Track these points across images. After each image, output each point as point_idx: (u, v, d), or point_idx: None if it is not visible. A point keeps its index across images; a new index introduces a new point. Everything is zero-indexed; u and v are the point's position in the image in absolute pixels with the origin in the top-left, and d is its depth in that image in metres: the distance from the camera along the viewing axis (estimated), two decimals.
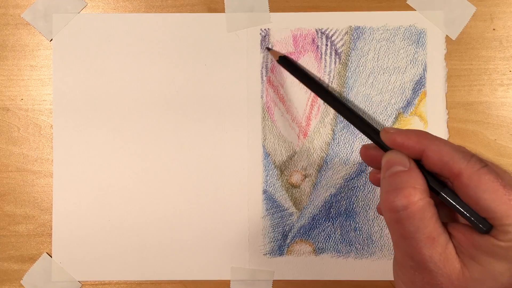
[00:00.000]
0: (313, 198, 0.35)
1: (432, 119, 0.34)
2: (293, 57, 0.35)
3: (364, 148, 0.28)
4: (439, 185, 0.23)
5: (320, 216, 0.35)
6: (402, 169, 0.23)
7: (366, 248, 0.34)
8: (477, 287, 0.21)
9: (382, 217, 0.34)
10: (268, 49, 0.35)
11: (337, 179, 0.35)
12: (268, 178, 0.35)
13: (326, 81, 0.35)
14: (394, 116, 0.35)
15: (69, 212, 0.35)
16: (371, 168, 0.35)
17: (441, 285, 0.21)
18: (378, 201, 0.34)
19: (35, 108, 0.35)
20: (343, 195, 0.35)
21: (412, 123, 0.35)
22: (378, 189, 0.34)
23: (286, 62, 0.34)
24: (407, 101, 0.35)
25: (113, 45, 0.35)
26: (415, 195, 0.22)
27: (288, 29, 0.35)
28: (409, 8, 0.35)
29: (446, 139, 0.34)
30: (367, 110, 0.35)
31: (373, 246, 0.34)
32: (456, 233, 0.22)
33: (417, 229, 0.22)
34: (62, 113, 0.35)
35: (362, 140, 0.35)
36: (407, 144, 0.24)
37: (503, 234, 0.20)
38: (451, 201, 0.22)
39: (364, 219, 0.34)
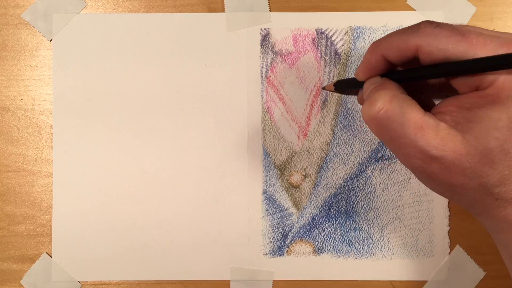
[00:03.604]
0: (313, 198, 0.35)
1: None
2: (293, 57, 0.35)
3: (359, 99, 0.30)
4: (412, 70, 0.24)
5: (320, 216, 0.35)
6: (374, 86, 0.24)
7: (366, 248, 0.34)
8: (484, 145, 0.20)
9: (382, 217, 0.34)
10: (323, 88, 0.34)
11: (337, 179, 0.35)
12: (268, 178, 0.35)
13: (326, 81, 0.35)
14: None
15: (69, 212, 0.35)
16: (372, 167, 0.35)
17: (453, 163, 0.21)
18: (376, 192, 0.34)
19: (35, 108, 0.35)
20: (343, 195, 0.35)
21: None
22: (378, 189, 0.34)
23: (341, 84, 0.33)
24: None
25: (113, 45, 0.35)
26: (385, 96, 0.22)
27: (288, 29, 0.35)
28: (409, 8, 0.35)
29: None
30: None
31: (373, 246, 0.34)
32: (445, 108, 0.22)
33: (401, 124, 0.21)
34: (62, 113, 0.35)
35: (362, 140, 0.34)
36: (371, 63, 0.25)
37: (485, 81, 0.21)
38: (433, 71, 0.23)
39: (364, 219, 0.34)
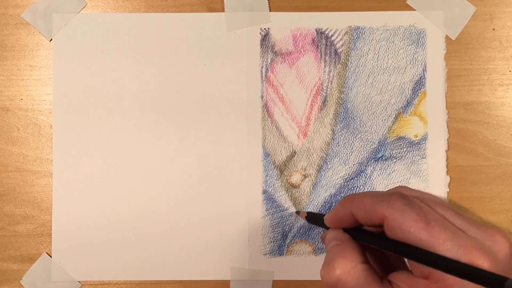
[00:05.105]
0: (313, 198, 0.35)
1: (432, 119, 0.34)
2: (293, 57, 0.35)
3: (322, 237, 0.29)
4: (376, 240, 0.23)
5: None
6: (336, 243, 0.24)
7: None
8: None
9: None
10: (297, 212, 0.34)
11: (337, 179, 0.35)
12: (268, 178, 0.35)
13: (326, 81, 0.35)
14: (394, 116, 0.35)
15: (69, 212, 0.35)
16: (371, 167, 0.35)
17: None
18: None
19: (34, 108, 0.35)
20: (343, 195, 0.35)
21: (412, 123, 0.35)
22: (378, 189, 0.34)
23: (312, 218, 0.32)
24: (407, 101, 0.35)
25: (113, 45, 0.35)
26: (344, 267, 0.22)
27: (288, 28, 0.35)
28: (409, 8, 0.35)
29: (445, 139, 0.34)
30: (367, 110, 0.35)
31: None
32: (398, 281, 0.22)
33: None
34: (62, 113, 0.35)
35: (361, 140, 0.35)
36: (340, 216, 0.25)
37: (436, 275, 0.20)
38: (392, 247, 0.22)
39: None
